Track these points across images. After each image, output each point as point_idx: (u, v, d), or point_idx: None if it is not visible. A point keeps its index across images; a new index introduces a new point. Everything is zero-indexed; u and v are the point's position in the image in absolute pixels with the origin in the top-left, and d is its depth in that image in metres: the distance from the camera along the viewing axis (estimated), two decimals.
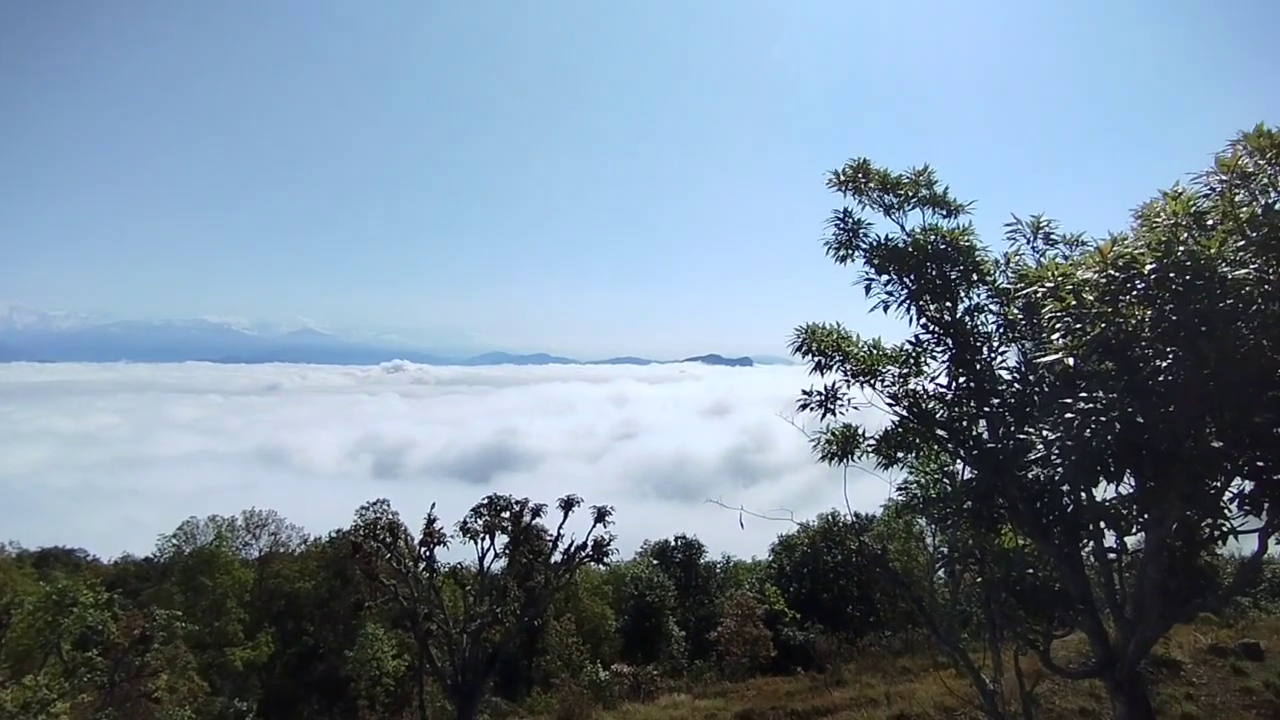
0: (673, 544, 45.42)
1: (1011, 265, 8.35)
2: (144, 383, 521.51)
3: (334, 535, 41.73)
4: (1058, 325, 6.45)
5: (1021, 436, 7.34)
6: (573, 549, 20.70)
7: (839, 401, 8.51)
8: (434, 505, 21.10)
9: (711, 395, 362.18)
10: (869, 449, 8.87)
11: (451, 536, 20.47)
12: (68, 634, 17.96)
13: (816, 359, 8.53)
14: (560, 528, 20.40)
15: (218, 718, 30.08)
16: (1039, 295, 6.82)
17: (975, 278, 8.31)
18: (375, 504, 28.26)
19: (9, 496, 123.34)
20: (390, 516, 25.25)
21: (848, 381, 8.52)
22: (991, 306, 8.36)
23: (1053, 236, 8.23)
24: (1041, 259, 8.08)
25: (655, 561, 43.79)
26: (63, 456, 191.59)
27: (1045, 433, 6.85)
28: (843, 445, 8.89)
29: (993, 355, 8.24)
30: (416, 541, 20.93)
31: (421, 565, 20.49)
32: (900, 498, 9.44)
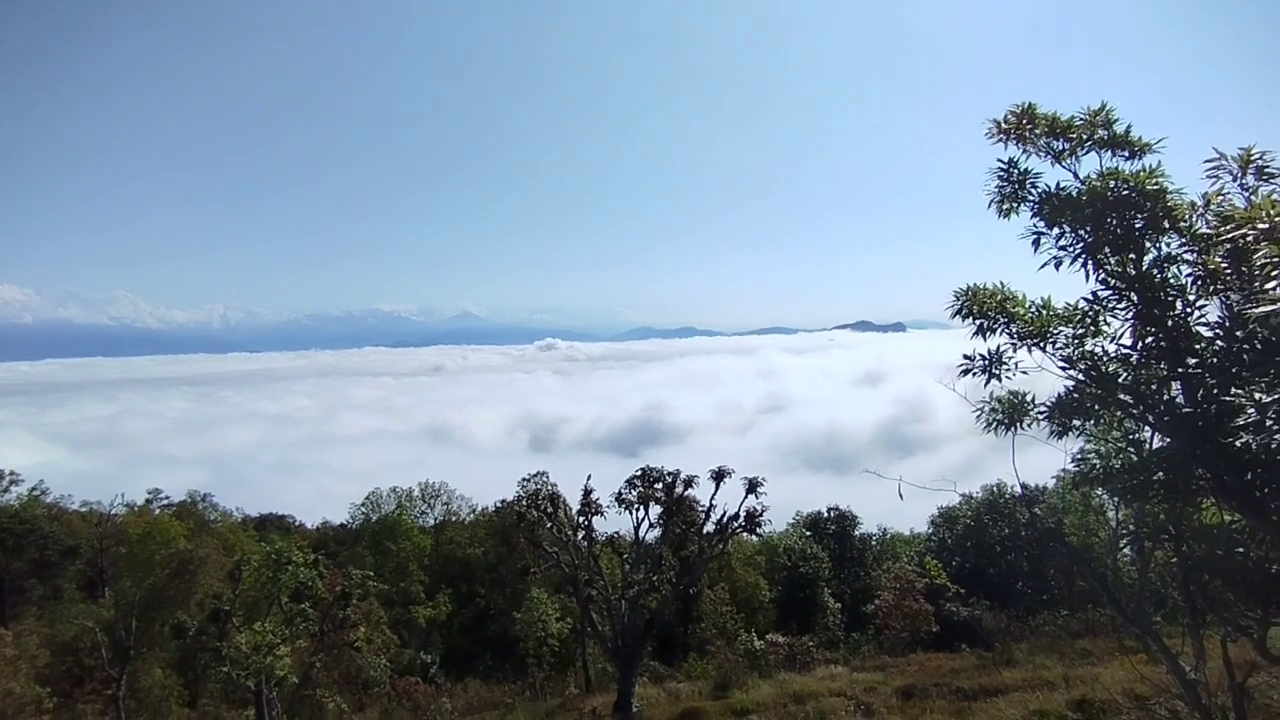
0: (825, 515, 44.77)
1: (1213, 207, 7.30)
2: (329, 368, 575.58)
3: (499, 505, 44.37)
4: (1274, 272, 5.61)
5: (1228, 399, 6.49)
6: (725, 519, 20.80)
7: (1004, 366, 7.90)
8: (589, 477, 21.90)
9: (862, 364, 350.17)
10: (1039, 417, 8.18)
11: (607, 507, 21.18)
12: (285, 588, 20.34)
13: (978, 322, 7.94)
14: (712, 499, 20.60)
15: (408, 667, 33.07)
16: (1249, 239, 5.95)
17: (1166, 224, 7.38)
18: (535, 476, 29.64)
19: (230, 470, 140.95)
20: (550, 488, 26.46)
21: (1014, 345, 7.89)
22: (1186, 256, 7.39)
23: (1268, 170, 7.07)
24: (1253, 198, 7.00)
25: (808, 533, 43.34)
26: (269, 435, 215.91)
27: (1258, 395, 6.02)
28: (1009, 413, 8.25)
29: (1188, 310, 7.31)
30: (575, 511, 21.83)
31: (580, 534, 21.38)
32: (1077, 469, 8.63)
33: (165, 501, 51.97)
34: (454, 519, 49.17)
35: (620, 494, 20.51)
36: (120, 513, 46.39)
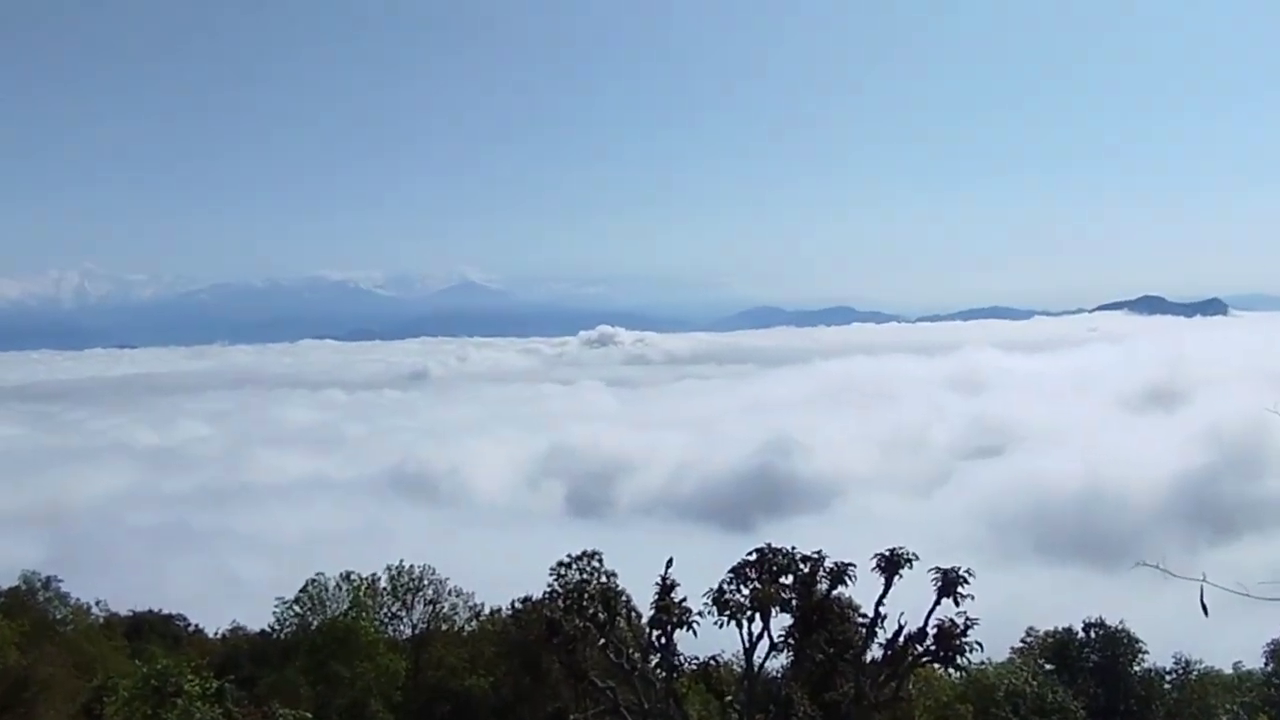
0: (1081, 637, 43.92)
1: None
2: (243, 373, 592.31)
3: (518, 607, 44.82)
4: None
5: None
6: (902, 640, 20.66)
7: None
8: (670, 564, 22.07)
9: (1146, 368, 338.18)
10: None
11: (699, 614, 21.29)
12: None
13: None
14: (879, 604, 20.47)
15: None
16: None
17: None
18: (579, 559, 30.09)
19: (83, 538, 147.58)
20: (603, 579, 26.83)
21: None
22: None
23: None
24: None
25: (1048, 666, 42.58)
26: (144, 482, 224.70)
27: None
28: None
29: None
30: (644, 620, 22.04)
31: (654, 659, 21.58)
32: None
33: None
34: (444, 627, 50.02)
35: (722, 593, 20.61)
36: None
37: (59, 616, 56.95)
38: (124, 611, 66.00)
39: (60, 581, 59.20)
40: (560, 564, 31.41)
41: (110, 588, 68.26)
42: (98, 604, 63.19)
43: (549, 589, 29.55)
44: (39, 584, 57.91)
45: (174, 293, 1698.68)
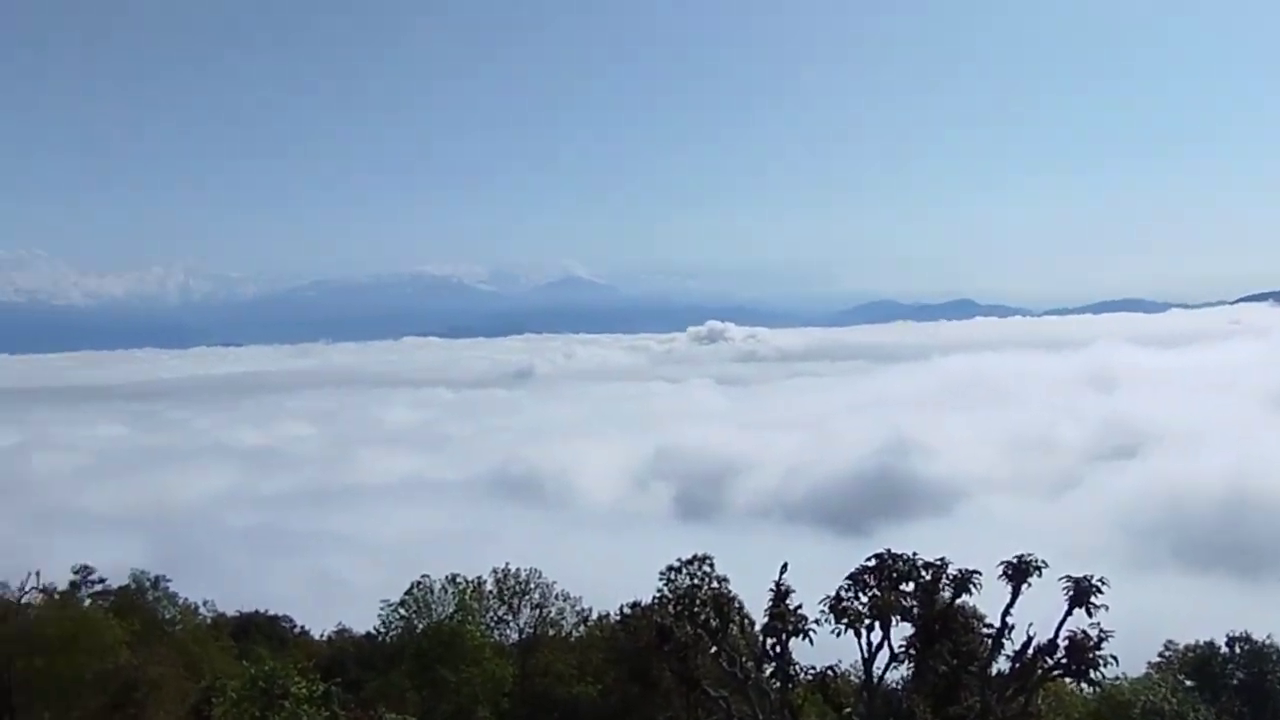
0: (1225, 652, 42.83)
1: None
2: (346, 372, 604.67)
3: (626, 613, 45.12)
4: None
5: None
6: (1031, 652, 20.41)
7: None
8: (784, 569, 22.11)
9: None
10: None
11: (815, 621, 21.29)
12: None
13: None
14: (1006, 614, 20.25)
15: None
16: None
17: None
18: (689, 564, 30.25)
19: (184, 539, 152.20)
20: (714, 585, 26.97)
21: None
22: None
23: None
24: None
25: (1189, 682, 41.56)
26: (246, 483, 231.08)
27: None
28: None
29: None
30: (758, 628, 22.12)
31: (768, 668, 21.65)
32: None
33: (98, 587, 56.89)
34: (551, 632, 50.65)
35: (840, 600, 20.58)
36: (33, 601, 51.16)
37: (168, 616, 58.94)
38: (230, 612, 68.17)
39: (169, 581, 61.20)
40: (670, 568, 31.56)
41: (213, 588, 70.18)
42: (205, 604, 65.25)
43: (658, 594, 29.76)
44: (148, 584, 59.96)
45: (277, 290, 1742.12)
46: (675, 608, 23.15)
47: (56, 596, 52.90)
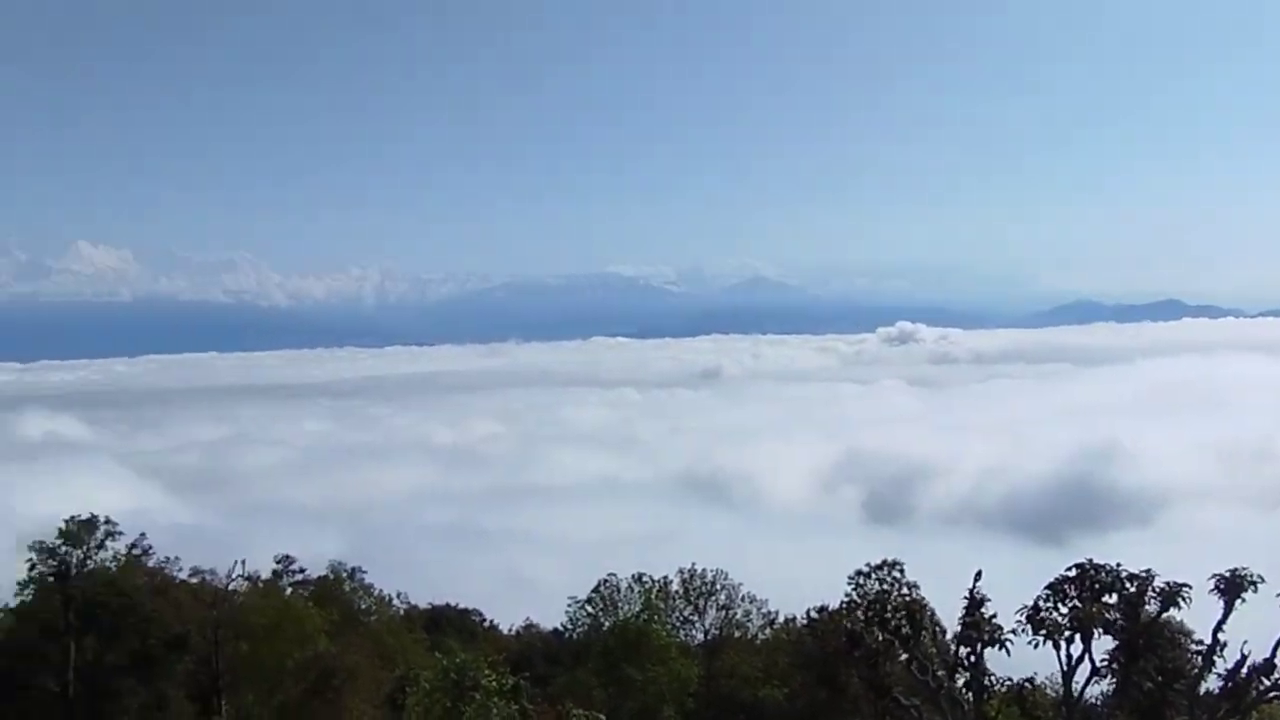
0: None
1: None
2: (536, 372, 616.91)
3: (814, 617, 44.75)
4: None
5: None
6: (1245, 671, 19.46)
7: None
8: (979, 576, 21.65)
9: None
10: None
11: (1012, 632, 20.79)
12: None
13: None
14: (1218, 630, 19.35)
15: None
16: None
17: None
18: (879, 569, 29.73)
19: (378, 533, 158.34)
20: (905, 591, 26.51)
21: None
22: None
23: None
24: None
25: None
26: (438, 480, 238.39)
27: None
28: None
29: None
30: (950, 637, 21.73)
31: (962, 677, 21.21)
32: None
33: (299, 576, 59.62)
34: (737, 634, 50.71)
35: (1038, 610, 20.07)
36: (239, 589, 54.06)
37: (363, 607, 61.30)
38: (422, 605, 70.46)
39: (364, 573, 63.58)
40: (859, 572, 31.05)
41: (405, 581, 72.47)
42: (398, 596, 67.60)
43: (847, 599, 29.35)
44: (345, 575, 62.43)
45: (468, 290, 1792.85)
46: (866, 614, 22.92)
47: (261, 585, 55.78)
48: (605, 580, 51.59)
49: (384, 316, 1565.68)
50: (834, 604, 38.49)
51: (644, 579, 51.13)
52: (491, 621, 71.11)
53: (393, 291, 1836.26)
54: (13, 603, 55.90)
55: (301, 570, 60.63)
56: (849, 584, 31.67)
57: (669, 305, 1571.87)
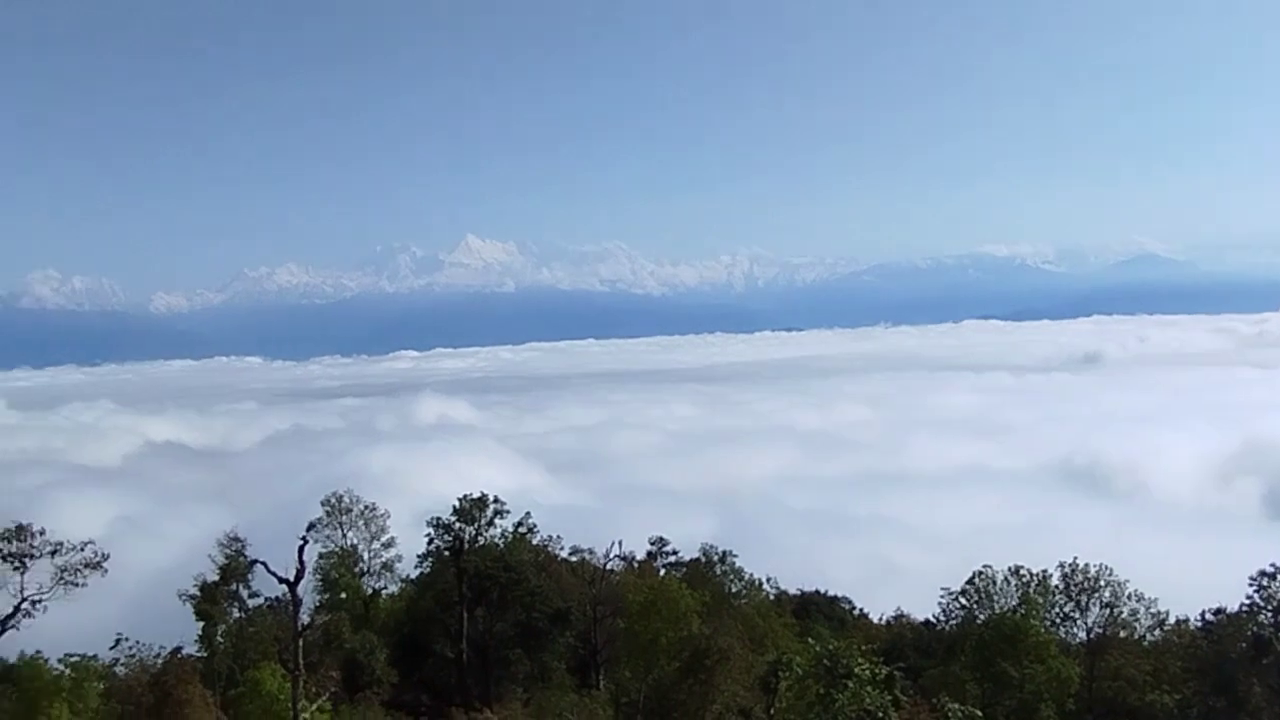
0: None
1: None
2: (905, 356, 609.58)
3: (1209, 619, 42.28)
4: None
5: None
6: None
7: None
8: None
9: None
10: None
11: None
12: (841, 715, 22.65)
13: None
14: None
15: None
16: None
17: None
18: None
19: (746, 516, 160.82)
20: None
21: None
22: None
23: None
24: None
25: None
26: (803, 464, 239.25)
27: None
28: None
29: None
30: None
31: None
32: None
33: (671, 558, 61.87)
34: (1122, 634, 48.40)
35: None
36: (616, 568, 56.79)
37: (734, 590, 62.66)
38: (791, 590, 71.14)
39: (735, 556, 64.90)
40: (1262, 573, 29.05)
41: (773, 565, 73.20)
42: (768, 580, 68.53)
43: (1249, 601, 27.49)
44: (716, 557, 63.97)
45: (836, 274, 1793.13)
46: (1274, 617, 21.34)
47: (636, 565, 58.36)
48: (980, 572, 50.57)
49: (752, 302, 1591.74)
50: (1232, 606, 36.06)
51: (1021, 572, 49.79)
52: (861, 610, 71.01)
53: (761, 277, 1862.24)
54: (413, 574, 61.45)
55: (674, 552, 62.93)
56: (1250, 585, 29.87)
57: (1047, 285, 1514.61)
